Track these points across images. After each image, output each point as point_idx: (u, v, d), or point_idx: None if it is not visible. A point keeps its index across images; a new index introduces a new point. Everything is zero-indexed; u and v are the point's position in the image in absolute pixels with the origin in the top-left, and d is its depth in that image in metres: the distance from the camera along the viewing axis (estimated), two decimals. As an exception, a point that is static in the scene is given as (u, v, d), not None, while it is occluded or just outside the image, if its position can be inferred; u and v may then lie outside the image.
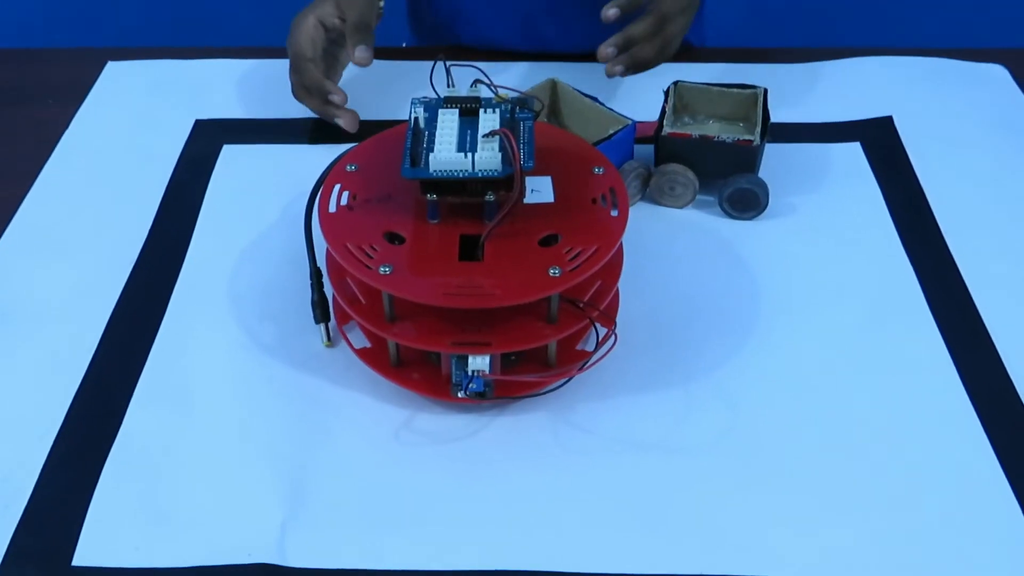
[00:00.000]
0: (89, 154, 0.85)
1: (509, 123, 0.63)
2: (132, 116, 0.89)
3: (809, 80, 0.93)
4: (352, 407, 0.64)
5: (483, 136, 0.60)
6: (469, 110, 0.64)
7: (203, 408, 0.64)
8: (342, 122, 0.82)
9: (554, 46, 0.95)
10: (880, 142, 0.85)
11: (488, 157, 0.59)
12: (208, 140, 0.86)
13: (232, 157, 0.84)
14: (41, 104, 0.91)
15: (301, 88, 0.83)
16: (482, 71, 0.67)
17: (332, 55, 0.86)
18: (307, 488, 0.59)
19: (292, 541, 0.57)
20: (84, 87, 0.93)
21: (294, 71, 0.83)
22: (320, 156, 0.68)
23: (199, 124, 0.88)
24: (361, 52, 0.79)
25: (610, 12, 0.76)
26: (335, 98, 0.81)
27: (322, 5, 0.83)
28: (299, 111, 0.87)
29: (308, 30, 0.82)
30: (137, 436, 0.62)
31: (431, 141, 0.61)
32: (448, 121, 0.62)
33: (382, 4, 0.86)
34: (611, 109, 0.78)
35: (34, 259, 0.75)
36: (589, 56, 0.87)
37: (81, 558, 0.56)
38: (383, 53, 0.97)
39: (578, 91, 0.80)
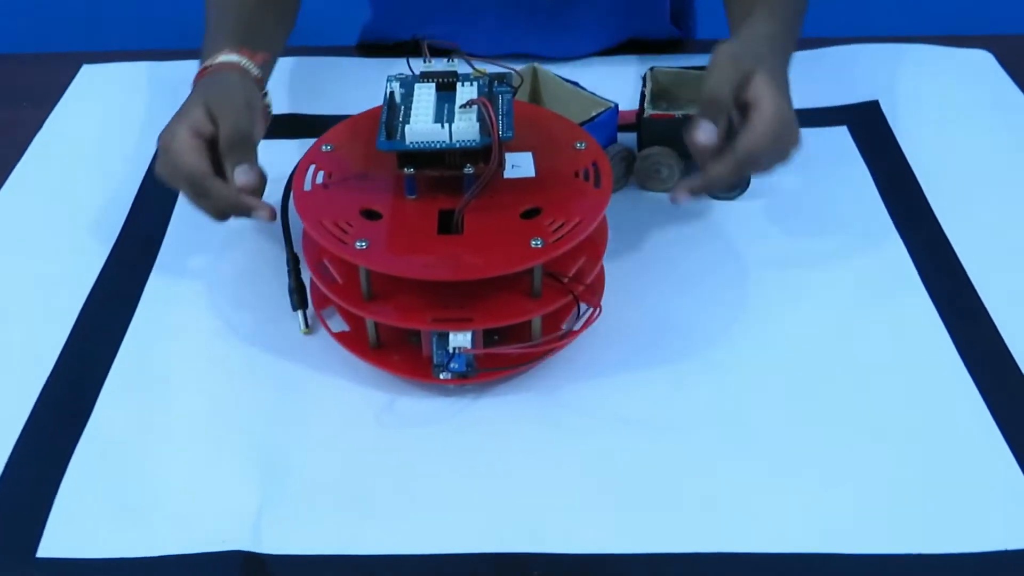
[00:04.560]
0: (63, 152, 0.83)
1: (487, 96, 0.61)
2: (107, 116, 0.88)
3: (795, 68, 0.91)
4: (331, 392, 0.62)
5: (461, 106, 0.59)
6: (446, 85, 0.62)
7: (176, 397, 0.62)
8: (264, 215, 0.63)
9: (535, 53, 0.93)
10: (867, 125, 0.84)
11: (466, 127, 0.58)
12: (184, 138, 0.84)
13: (208, 154, 0.83)
14: (14, 106, 0.90)
15: (219, 213, 0.64)
16: (460, 48, 0.65)
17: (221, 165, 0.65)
18: (284, 474, 0.57)
19: (268, 527, 0.54)
20: (59, 90, 0.91)
21: (199, 195, 0.63)
22: (296, 150, 0.67)
23: (175, 122, 0.86)
24: (241, 175, 0.62)
25: (681, 197, 0.65)
26: (261, 214, 0.62)
27: (189, 114, 0.64)
28: (276, 107, 0.85)
29: (186, 141, 0.62)
30: (107, 426, 0.60)
31: (407, 114, 0.60)
32: (425, 94, 0.61)
33: (268, 102, 0.70)
34: (593, 93, 0.76)
35: (5, 252, 0.73)
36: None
37: (46, 550, 0.53)
38: (342, 50, 0.96)
39: (560, 77, 0.78)
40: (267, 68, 0.71)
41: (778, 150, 0.64)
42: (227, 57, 0.68)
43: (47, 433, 0.60)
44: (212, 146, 0.63)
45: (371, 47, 0.98)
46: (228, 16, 0.75)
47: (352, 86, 0.89)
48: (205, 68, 0.69)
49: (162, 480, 0.57)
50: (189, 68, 0.92)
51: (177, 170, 0.63)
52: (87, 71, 0.94)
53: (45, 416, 0.61)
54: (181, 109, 0.66)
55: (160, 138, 0.64)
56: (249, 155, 0.63)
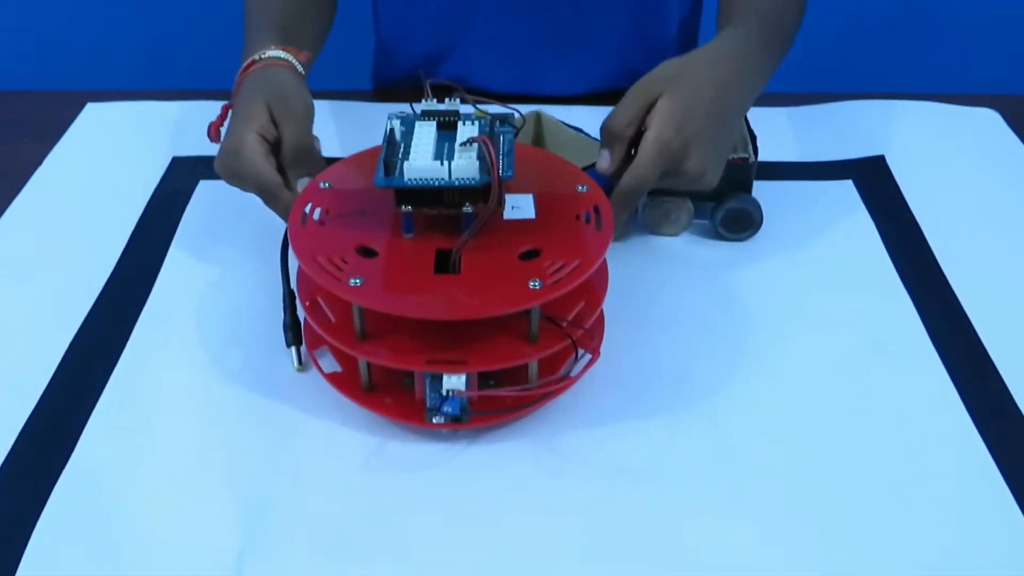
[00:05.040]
0: (63, 187, 0.83)
1: (488, 136, 0.61)
2: (109, 153, 0.87)
3: (801, 122, 0.91)
4: (321, 434, 0.60)
5: (461, 144, 0.58)
6: (447, 124, 0.62)
7: (162, 434, 0.60)
8: None
9: (545, 90, 0.94)
10: (872, 179, 0.83)
11: (465, 165, 0.57)
12: (185, 176, 0.84)
13: (209, 192, 0.82)
14: (16, 142, 0.89)
15: (284, 217, 0.66)
16: (461, 88, 0.65)
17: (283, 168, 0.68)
18: (269, 516, 0.55)
19: (250, 570, 0.52)
20: (62, 126, 0.91)
21: (268, 201, 0.66)
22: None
23: (176, 161, 0.86)
24: (303, 187, 0.64)
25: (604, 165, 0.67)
26: None
27: (255, 118, 0.66)
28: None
29: (256, 148, 0.65)
30: (90, 462, 0.58)
31: (407, 151, 0.59)
32: (425, 132, 0.60)
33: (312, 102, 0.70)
34: (596, 139, 0.75)
35: (-5, 285, 0.72)
36: (578, 99, 0.87)
37: (18, 588, 0.52)
38: (359, 95, 0.97)
39: (563, 123, 0.78)
40: (309, 66, 0.73)
41: (674, 176, 0.65)
42: (275, 53, 0.69)
43: (28, 468, 0.58)
44: (275, 147, 0.66)
45: (385, 92, 0.98)
46: (269, 12, 0.76)
47: (363, 129, 0.89)
48: (253, 61, 0.70)
49: (143, 518, 0.55)
50: (193, 109, 0.93)
51: (246, 177, 0.65)
52: (91, 109, 0.94)
53: (27, 450, 0.59)
54: (243, 108, 0.67)
55: (226, 139, 0.66)
56: (312, 167, 0.66)
